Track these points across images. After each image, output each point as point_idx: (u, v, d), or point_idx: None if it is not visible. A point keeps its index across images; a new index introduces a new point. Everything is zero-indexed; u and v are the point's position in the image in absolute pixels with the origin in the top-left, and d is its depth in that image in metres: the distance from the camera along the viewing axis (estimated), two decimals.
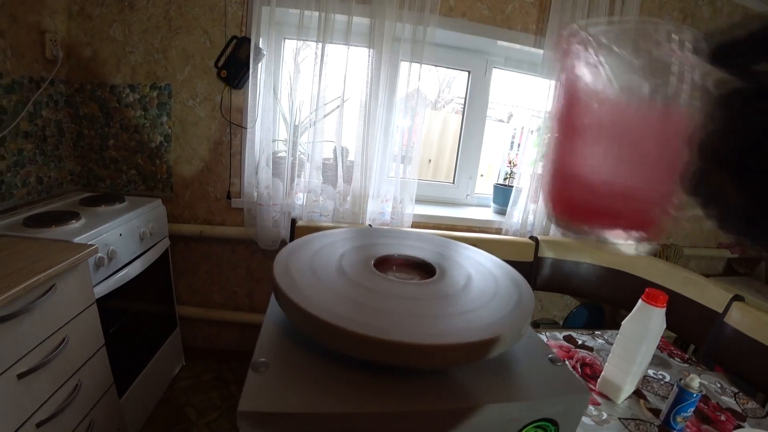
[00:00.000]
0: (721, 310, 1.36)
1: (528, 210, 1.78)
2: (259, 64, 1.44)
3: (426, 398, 0.44)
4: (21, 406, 0.85)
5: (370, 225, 1.49)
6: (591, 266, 1.71)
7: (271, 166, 1.48)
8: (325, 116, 1.47)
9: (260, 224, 1.54)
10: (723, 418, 0.94)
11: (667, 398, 0.92)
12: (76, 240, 1.06)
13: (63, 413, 0.96)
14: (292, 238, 1.40)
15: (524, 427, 0.47)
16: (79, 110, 1.51)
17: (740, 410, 0.98)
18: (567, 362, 1.06)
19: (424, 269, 0.66)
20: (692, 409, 0.85)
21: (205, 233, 1.61)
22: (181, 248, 1.67)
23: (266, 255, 1.71)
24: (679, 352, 1.19)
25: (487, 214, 1.88)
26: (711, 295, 1.41)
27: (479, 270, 0.65)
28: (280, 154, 1.55)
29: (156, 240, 1.44)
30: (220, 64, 1.48)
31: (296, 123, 1.48)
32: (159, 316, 1.56)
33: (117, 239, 1.22)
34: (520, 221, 1.78)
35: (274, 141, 1.50)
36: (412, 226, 1.66)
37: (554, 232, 1.82)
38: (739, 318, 1.31)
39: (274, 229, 1.56)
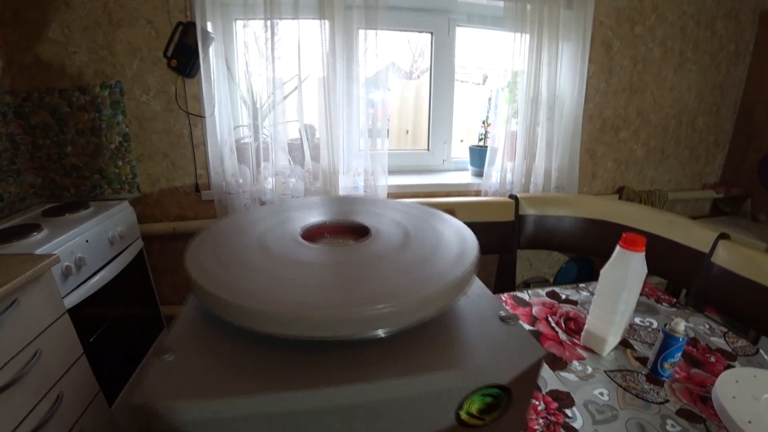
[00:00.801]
0: (707, 251, 1.34)
1: (505, 169, 1.75)
2: (210, 49, 1.39)
3: (354, 371, 0.40)
4: None
5: None
6: (574, 219, 1.69)
7: (236, 153, 1.44)
8: (285, 97, 1.42)
9: (233, 213, 1.51)
10: (713, 359, 0.91)
11: (652, 345, 0.91)
12: (38, 251, 1.03)
13: (47, 425, 0.95)
14: None
15: (467, 396, 0.42)
16: (30, 120, 1.45)
17: (730, 350, 0.96)
18: (551, 319, 1.05)
19: (359, 233, 0.62)
20: (679, 354, 0.82)
21: (179, 230, 1.58)
22: (157, 248, 1.64)
23: None
24: (667, 297, 1.17)
25: (465, 177, 1.85)
26: (697, 236, 1.40)
27: (420, 226, 0.61)
28: (244, 140, 1.50)
29: (127, 243, 1.41)
30: (169, 53, 1.41)
31: (257, 106, 1.43)
32: (143, 319, 1.54)
33: (84, 246, 1.18)
34: (498, 181, 1.75)
35: (236, 128, 1.46)
36: (388, 197, 1.63)
37: (534, 189, 1.80)
38: (725, 256, 1.30)
39: None
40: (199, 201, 1.60)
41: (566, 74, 1.68)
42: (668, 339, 0.81)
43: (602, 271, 0.87)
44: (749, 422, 0.68)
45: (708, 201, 2.45)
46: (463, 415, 0.43)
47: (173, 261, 1.68)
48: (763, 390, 0.74)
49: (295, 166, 1.52)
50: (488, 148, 1.75)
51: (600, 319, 0.89)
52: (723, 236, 1.34)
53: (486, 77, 2.22)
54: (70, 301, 1.10)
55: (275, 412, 0.37)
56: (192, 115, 1.48)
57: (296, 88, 1.42)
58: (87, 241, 1.20)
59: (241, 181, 1.48)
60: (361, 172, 1.57)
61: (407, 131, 2.17)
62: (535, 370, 0.44)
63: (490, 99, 1.93)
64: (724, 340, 1.00)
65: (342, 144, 1.50)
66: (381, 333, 0.42)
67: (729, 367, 0.88)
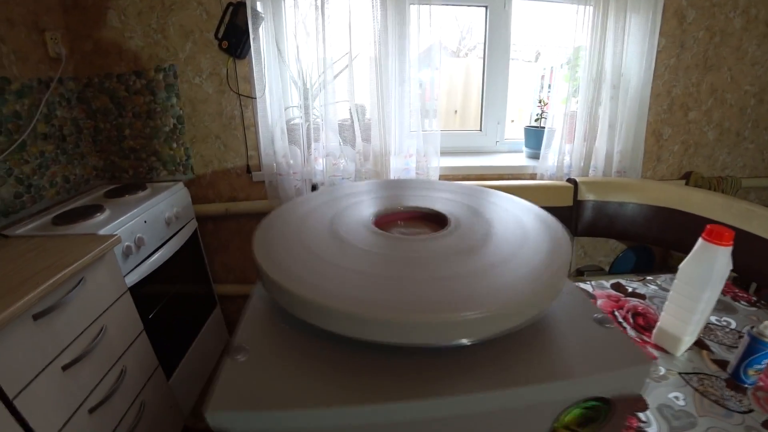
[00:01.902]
0: None
1: (563, 151, 1.65)
2: (260, 29, 1.37)
3: (443, 382, 0.36)
4: (71, 395, 0.88)
5: None
6: (637, 206, 1.58)
7: (287, 135, 1.44)
8: (335, 76, 1.39)
9: (283, 195, 1.51)
10: None
11: (735, 348, 0.84)
12: (101, 232, 1.07)
13: (112, 398, 1.00)
14: None
15: (566, 409, 0.38)
16: (92, 104, 1.50)
17: None
18: (617, 313, 0.98)
19: (435, 221, 0.58)
20: (766, 361, 0.75)
21: (231, 210, 1.61)
22: (210, 228, 1.68)
23: None
24: (746, 295, 1.08)
25: (519, 159, 1.77)
26: None
27: (503, 217, 0.56)
28: (294, 122, 1.49)
29: (182, 223, 1.45)
30: (220, 35, 1.41)
31: (307, 86, 1.41)
32: (197, 297, 1.59)
33: (142, 227, 1.22)
34: (555, 164, 1.66)
35: (287, 108, 1.44)
36: (440, 179, 1.58)
37: (593, 173, 1.70)
38: None
39: (298, 198, 1.53)
40: (250, 182, 1.61)
41: (633, 49, 1.54)
42: (755, 343, 0.74)
43: (682, 266, 0.80)
44: None
45: None
46: (558, 427, 0.39)
47: (225, 240, 1.72)
48: None
49: (346, 146, 1.49)
50: (545, 129, 1.65)
51: (676, 317, 0.81)
52: None
53: (539, 54, 2.10)
54: (131, 279, 1.14)
55: (355, 425, 0.35)
56: (243, 96, 1.49)
57: (347, 66, 1.38)
58: (145, 221, 1.24)
59: (291, 162, 1.47)
60: (412, 153, 1.53)
61: (455, 111, 2.10)
62: (640, 380, 0.39)
63: (543, 77, 1.82)
64: None
65: (393, 124, 1.46)
66: (466, 340, 0.38)
67: None
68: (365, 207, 0.60)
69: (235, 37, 1.39)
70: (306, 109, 1.43)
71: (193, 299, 1.56)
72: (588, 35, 1.50)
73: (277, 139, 1.45)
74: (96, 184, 1.55)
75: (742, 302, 1.06)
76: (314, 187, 1.37)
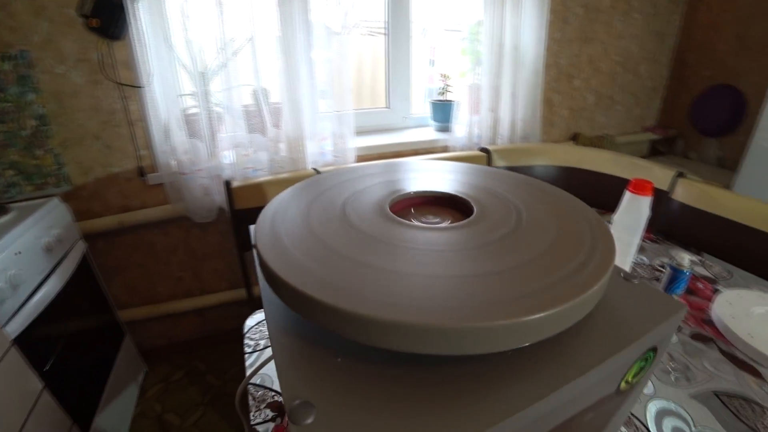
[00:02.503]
0: (667, 188, 1.41)
1: (472, 122, 1.71)
2: (138, 3, 1.17)
3: (536, 383, 0.32)
4: None
5: (315, 170, 1.34)
6: (544, 167, 1.69)
7: (185, 127, 1.26)
8: (235, 53, 1.25)
9: (188, 196, 1.33)
10: (701, 286, 1.00)
11: (655, 281, 0.96)
12: None
13: None
14: (231, 204, 1.22)
15: (629, 368, 0.39)
16: None
17: (712, 276, 1.05)
18: None
19: (455, 207, 0.53)
20: (685, 286, 0.88)
21: (126, 223, 1.38)
22: (102, 247, 1.43)
23: (204, 229, 1.52)
24: (648, 234, 1.22)
25: (429, 133, 1.79)
26: (657, 175, 1.46)
27: (527, 200, 0.53)
28: (191, 111, 1.32)
29: (67, 247, 1.20)
30: (87, 11, 1.18)
31: (201, 70, 1.25)
32: (100, 330, 1.35)
33: (14, 261, 0.97)
34: (465, 135, 1.71)
35: (179, 96, 1.27)
36: (357, 161, 1.53)
37: (500, 141, 1.78)
38: (683, 192, 1.38)
39: (207, 197, 1.36)
40: (144, 187, 1.40)
41: (528, 23, 1.64)
42: (675, 273, 0.87)
43: (616, 217, 0.89)
44: (751, 336, 0.78)
45: (646, 143, 2.60)
46: (623, 385, 0.41)
47: (123, 258, 1.48)
48: (752, 306, 0.86)
49: (255, 135, 1.36)
50: (453, 103, 1.69)
51: (616, 262, 0.91)
52: (680, 175, 1.40)
53: (425, 30, 2.15)
54: (14, 329, 0.91)
55: None
56: (124, 86, 1.27)
57: (249, 40, 1.25)
58: (17, 253, 0.98)
59: (194, 158, 1.30)
60: (327, 135, 1.45)
61: (362, 90, 2.06)
62: (677, 324, 0.42)
63: (434, 50, 1.87)
64: (703, 267, 1.08)
65: (305, 107, 1.36)
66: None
67: (716, 291, 0.95)
68: (371, 195, 0.53)
69: (106, 14, 1.17)
70: (203, 95, 1.27)
71: (95, 334, 1.31)
72: (489, 10, 1.56)
73: (173, 134, 1.27)
74: None
75: (647, 241, 1.19)
76: (227, 183, 1.22)
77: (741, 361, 0.76)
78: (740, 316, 0.83)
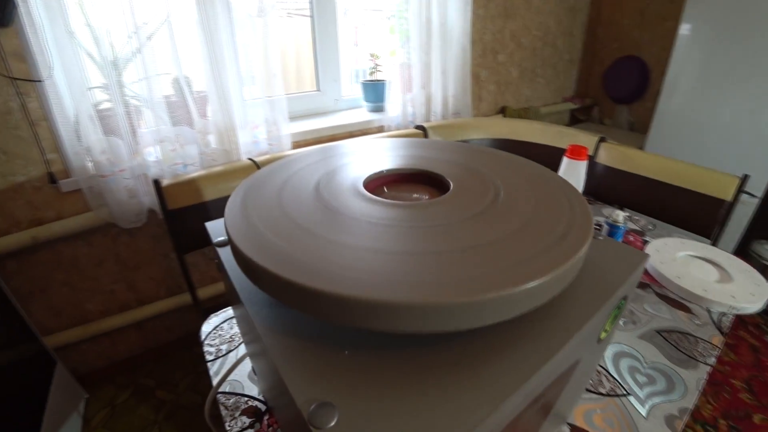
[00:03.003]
0: (592, 152, 1.51)
1: (405, 101, 1.71)
2: None
3: (527, 351, 0.32)
4: None
5: (251, 160, 1.27)
6: (479, 141, 1.74)
7: (99, 124, 1.14)
8: (149, 38, 1.14)
9: (112, 200, 1.21)
10: (632, 238, 1.10)
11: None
12: None
13: None
14: (162, 204, 1.13)
15: (607, 319, 0.41)
16: None
17: (639, 228, 1.16)
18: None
19: (430, 183, 0.52)
20: (621, 240, 0.96)
21: (40, 237, 1.23)
22: (14, 268, 1.26)
23: (134, 235, 1.40)
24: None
25: (363, 114, 1.77)
26: (582, 141, 1.56)
27: (499, 172, 0.52)
28: (104, 106, 1.19)
29: None
30: None
31: (111, 58, 1.13)
32: (26, 362, 1.20)
33: None
34: (400, 114, 1.72)
35: (88, 89, 1.14)
36: (292, 147, 1.48)
37: (434, 118, 1.81)
38: (606, 155, 1.50)
39: (133, 200, 1.25)
40: (58, 195, 1.25)
41: (453, 1, 1.66)
42: (612, 228, 0.95)
43: None
44: (678, 277, 0.88)
45: (567, 112, 2.77)
46: (602, 334, 0.43)
47: (41, 279, 1.32)
48: (676, 252, 0.97)
49: (181, 127, 1.26)
50: (384, 82, 1.69)
51: None
52: (602, 140, 1.52)
53: (346, 10, 2.13)
54: None
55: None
56: (19, 80, 1.11)
57: (165, 23, 1.14)
58: None
59: (113, 158, 1.18)
60: (259, 123, 1.38)
61: (288, 75, 1.99)
62: (641, 271, 0.44)
63: (357, 30, 1.86)
64: (631, 221, 1.19)
65: (233, 95, 1.28)
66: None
67: (645, 242, 1.05)
68: (342, 176, 0.50)
69: None
70: (117, 87, 1.15)
71: (21, 367, 1.16)
72: None
73: (86, 132, 1.14)
74: None
75: None
76: (156, 183, 1.12)
77: (673, 300, 0.86)
78: (668, 261, 0.93)
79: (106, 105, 1.18)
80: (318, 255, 0.33)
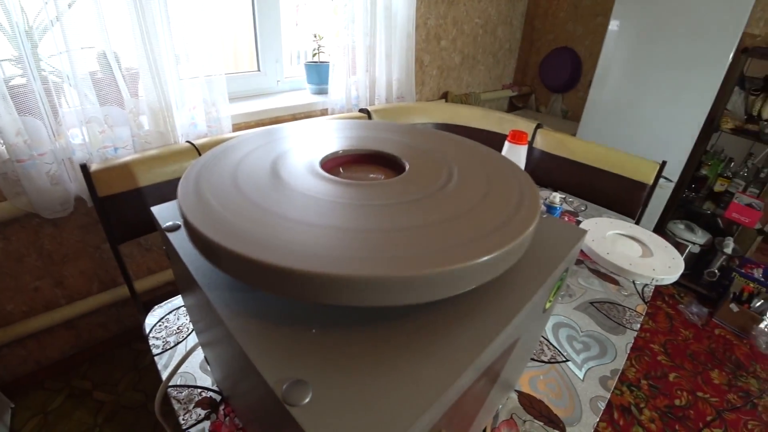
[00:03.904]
0: (530, 138, 1.59)
1: (349, 84, 1.69)
2: None
3: (481, 322, 0.34)
4: None
5: (190, 143, 1.20)
6: (423, 125, 1.77)
7: (11, 102, 1.02)
8: (69, 6, 1.02)
9: (31, 188, 1.10)
10: (566, 219, 1.18)
11: None
12: None
13: None
14: (92, 191, 1.04)
15: (551, 292, 0.44)
16: None
17: (572, 209, 1.23)
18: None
19: (385, 164, 0.52)
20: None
21: None
22: None
23: (59, 225, 1.28)
24: None
25: (306, 97, 1.73)
26: (521, 127, 1.64)
27: (452, 154, 0.53)
28: (17, 82, 1.06)
29: None
30: None
31: (24, 27, 1.01)
32: None
33: None
34: (344, 97, 1.70)
35: None
36: (233, 130, 1.42)
37: (378, 101, 1.81)
38: (542, 141, 1.59)
39: (57, 187, 1.14)
40: None
41: None
42: (550, 209, 1.03)
43: None
44: (608, 253, 0.95)
45: (506, 99, 2.89)
46: (547, 305, 0.45)
47: None
48: (605, 230, 1.05)
49: (110, 107, 1.16)
50: (329, 64, 1.65)
51: None
52: (539, 126, 1.60)
53: None
54: None
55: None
56: None
57: None
58: None
59: (31, 141, 1.06)
60: (197, 104, 1.31)
61: (225, 53, 1.90)
62: (580, 246, 0.48)
63: (298, 9, 1.82)
64: (566, 203, 1.28)
65: (166, 72, 1.20)
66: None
67: (578, 222, 1.13)
68: (301, 156, 0.48)
69: None
70: (32, 60, 1.03)
71: None
72: None
73: None
74: None
75: None
76: (84, 167, 1.03)
77: (604, 274, 0.95)
78: (598, 239, 1.01)
79: (19, 81, 1.06)
80: (278, 233, 0.32)
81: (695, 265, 2.13)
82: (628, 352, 0.73)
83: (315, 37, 1.74)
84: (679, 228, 2.15)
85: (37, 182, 1.11)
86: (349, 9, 1.58)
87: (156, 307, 0.76)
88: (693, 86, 1.85)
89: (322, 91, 1.75)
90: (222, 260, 0.31)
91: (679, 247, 2.10)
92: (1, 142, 1.05)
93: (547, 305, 0.47)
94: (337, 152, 0.51)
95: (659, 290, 2.12)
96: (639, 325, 0.80)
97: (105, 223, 1.07)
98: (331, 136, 0.57)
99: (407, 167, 0.48)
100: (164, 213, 0.46)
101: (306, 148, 0.51)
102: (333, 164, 0.51)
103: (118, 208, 1.08)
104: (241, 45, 1.70)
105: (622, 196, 1.42)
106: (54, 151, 1.11)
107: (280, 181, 0.41)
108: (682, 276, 1.97)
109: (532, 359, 0.70)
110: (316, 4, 1.83)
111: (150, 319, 0.72)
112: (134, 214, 1.09)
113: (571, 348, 0.73)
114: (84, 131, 1.12)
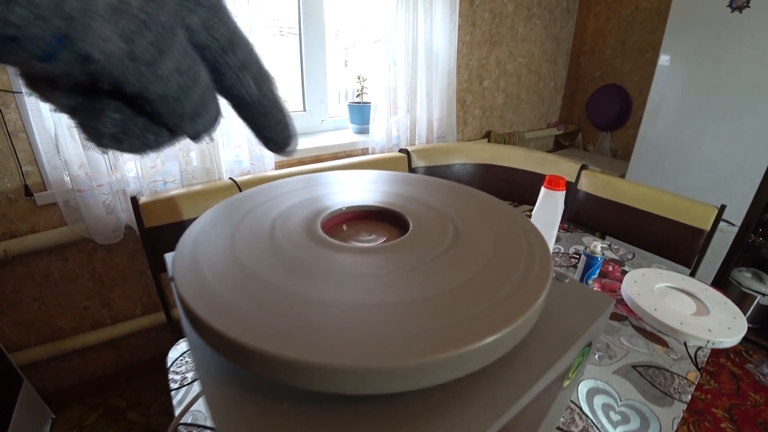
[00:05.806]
0: (574, 180, 1.54)
1: (390, 124, 1.73)
2: None
3: (488, 399, 0.31)
4: None
5: (232, 180, 1.26)
6: (462, 165, 1.76)
7: (77, 137, 1.13)
8: None
9: (89, 215, 1.19)
10: (611, 268, 1.09)
11: (572, 267, 1.05)
12: None
13: None
14: (139, 221, 1.11)
15: (571, 366, 0.40)
16: None
17: (618, 258, 1.15)
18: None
19: (389, 221, 0.51)
20: (599, 271, 0.96)
21: (12, 251, 1.20)
22: None
23: (110, 251, 1.37)
24: (560, 224, 1.35)
25: (348, 136, 1.78)
26: (564, 168, 1.59)
27: (458, 209, 0.51)
28: None
29: None
30: None
31: None
32: None
33: None
34: (384, 137, 1.73)
35: None
36: (275, 168, 1.48)
37: (418, 141, 1.83)
38: (587, 183, 1.52)
39: (111, 216, 1.23)
40: (33, 208, 1.23)
41: (439, 27, 1.70)
42: (590, 260, 0.94)
43: (534, 212, 0.95)
44: (655, 310, 0.86)
45: (551, 137, 2.83)
46: (565, 382, 0.41)
47: (11, 293, 1.28)
48: (653, 283, 0.96)
49: None
50: (371, 104, 1.70)
51: None
52: (584, 167, 1.54)
53: (338, 31, 2.16)
54: None
55: None
56: None
57: None
58: None
59: (92, 173, 1.17)
60: (242, 142, 1.38)
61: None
62: (606, 318, 0.44)
63: (347, 51, 1.89)
64: (610, 250, 1.19)
65: None
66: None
67: (624, 272, 1.05)
68: (299, 215, 0.48)
69: None
70: None
71: None
72: (402, 13, 1.59)
73: (65, 145, 1.12)
74: None
75: (560, 230, 1.28)
76: (134, 200, 1.11)
77: (650, 333, 0.84)
78: (645, 292, 0.91)
79: None
80: (265, 308, 0.31)
81: (765, 318, 1.92)
82: (675, 428, 0.65)
83: (359, 78, 1.81)
84: (745, 276, 1.96)
85: (94, 211, 1.20)
86: (392, 51, 1.64)
87: (180, 341, 0.78)
88: (756, 123, 1.71)
89: (364, 131, 1.79)
90: (199, 329, 0.31)
91: (747, 298, 1.91)
92: (67, 173, 1.16)
93: (566, 383, 0.43)
94: (340, 209, 0.51)
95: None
96: (689, 396, 0.70)
97: (148, 251, 1.14)
98: (347, 188, 0.57)
99: (411, 226, 0.47)
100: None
101: (309, 204, 0.52)
102: (336, 221, 0.51)
103: (161, 239, 1.14)
104: (289, 85, 1.79)
105: (675, 243, 1.32)
106: (110, 183, 1.21)
107: (276, 245, 0.40)
108: (751, 331, 1.78)
109: (559, 429, 0.64)
110: (364, 45, 1.91)
111: (173, 353, 0.75)
112: (175, 245, 1.15)
113: (606, 419, 0.65)
114: (138, 165, 1.22)
